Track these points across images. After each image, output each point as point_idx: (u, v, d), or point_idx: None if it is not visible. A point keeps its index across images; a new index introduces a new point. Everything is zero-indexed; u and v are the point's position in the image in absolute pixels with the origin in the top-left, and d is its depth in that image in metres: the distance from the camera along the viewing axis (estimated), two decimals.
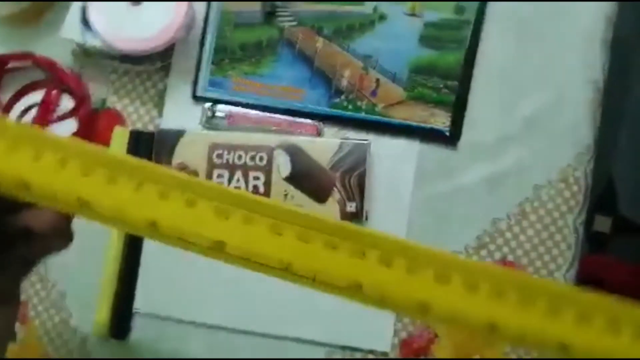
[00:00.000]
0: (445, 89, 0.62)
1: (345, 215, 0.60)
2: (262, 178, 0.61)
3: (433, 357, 0.60)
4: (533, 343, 0.27)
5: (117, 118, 0.67)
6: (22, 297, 0.39)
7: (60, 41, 0.65)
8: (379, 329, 0.61)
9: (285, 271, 0.28)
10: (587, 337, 0.26)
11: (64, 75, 0.66)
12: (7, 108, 0.66)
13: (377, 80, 0.63)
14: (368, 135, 0.63)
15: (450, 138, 0.62)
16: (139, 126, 0.67)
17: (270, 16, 0.65)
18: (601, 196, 1.06)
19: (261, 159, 0.62)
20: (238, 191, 0.28)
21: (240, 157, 0.62)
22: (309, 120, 0.63)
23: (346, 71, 0.63)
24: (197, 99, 0.65)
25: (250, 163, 0.62)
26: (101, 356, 0.64)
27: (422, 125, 0.62)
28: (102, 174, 0.28)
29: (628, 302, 0.27)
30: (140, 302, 0.64)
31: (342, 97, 0.63)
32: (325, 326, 0.61)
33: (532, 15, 0.62)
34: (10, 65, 0.67)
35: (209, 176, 0.62)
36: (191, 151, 0.62)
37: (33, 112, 0.66)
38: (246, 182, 0.62)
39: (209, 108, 0.64)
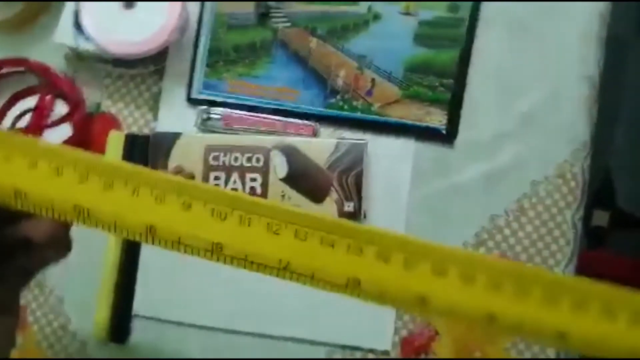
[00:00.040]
0: (441, 87, 0.62)
1: (343, 215, 0.60)
2: (259, 179, 0.61)
3: (434, 355, 0.60)
4: (531, 332, 0.27)
5: (112, 122, 0.67)
6: (20, 303, 0.40)
7: (53, 46, 0.65)
8: (379, 327, 0.60)
9: (284, 270, 0.28)
10: (584, 324, 0.26)
11: (58, 80, 0.66)
12: (1, 114, 0.66)
13: (373, 79, 0.63)
14: (364, 135, 0.63)
15: (446, 136, 0.62)
16: (134, 130, 0.66)
17: (263, 17, 0.65)
18: (599, 191, 1.06)
19: (258, 160, 0.61)
20: (234, 192, 0.29)
21: (236, 158, 0.62)
22: (305, 121, 0.63)
23: (341, 71, 0.63)
24: (192, 101, 0.65)
25: (246, 164, 0.61)
26: None
27: (419, 124, 0.62)
28: (98, 181, 0.28)
29: (622, 288, 0.27)
30: (139, 306, 0.63)
31: (338, 97, 0.63)
32: (325, 326, 0.61)
33: (527, 12, 0.62)
34: (4, 70, 0.67)
35: (206, 178, 0.62)
36: (187, 154, 0.62)
37: (27, 117, 0.66)
38: (243, 184, 0.61)
39: (204, 110, 0.64)
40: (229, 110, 0.64)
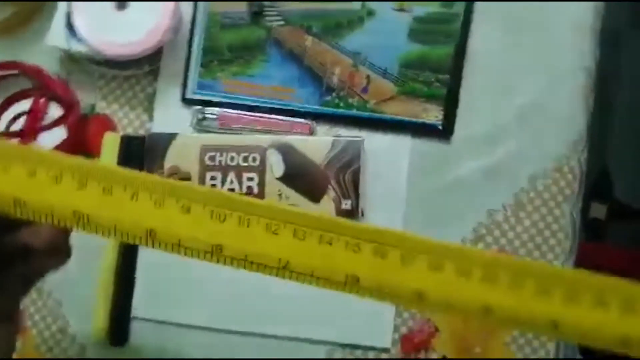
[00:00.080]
0: (436, 82, 0.61)
1: (341, 213, 0.60)
2: (256, 179, 0.61)
3: (434, 351, 0.60)
4: (526, 323, 0.28)
5: (107, 124, 0.66)
6: (21, 304, 0.40)
7: (46, 49, 0.64)
8: (378, 325, 0.60)
9: (284, 269, 0.28)
10: (577, 313, 0.27)
11: (51, 83, 0.65)
12: None
13: (368, 76, 0.62)
14: (360, 132, 0.63)
15: (443, 132, 0.62)
16: (129, 131, 0.66)
17: (257, 16, 0.64)
18: (596, 183, 1.06)
19: (254, 159, 0.61)
20: (232, 194, 0.29)
21: (232, 158, 0.61)
22: (301, 119, 0.63)
23: (336, 68, 0.63)
24: (187, 101, 0.65)
25: (243, 164, 0.61)
26: None
27: (415, 120, 0.62)
28: (97, 187, 0.29)
29: (615, 277, 0.28)
30: (138, 308, 0.63)
31: (333, 94, 0.63)
32: (325, 325, 0.61)
33: (521, 5, 0.62)
34: None
35: (202, 179, 0.61)
36: (183, 154, 0.62)
37: (21, 121, 0.65)
38: (240, 184, 0.61)
39: (199, 110, 0.64)
40: (224, 109, 0.64)
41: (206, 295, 0.62)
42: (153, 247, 0.29)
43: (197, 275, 0.62)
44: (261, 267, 0.28)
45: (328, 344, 0.61)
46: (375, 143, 0.62)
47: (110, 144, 0.64)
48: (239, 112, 0.64)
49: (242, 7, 0.64)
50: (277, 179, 0.61)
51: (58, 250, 0.35)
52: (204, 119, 0.64)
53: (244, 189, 0.61)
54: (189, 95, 0.65)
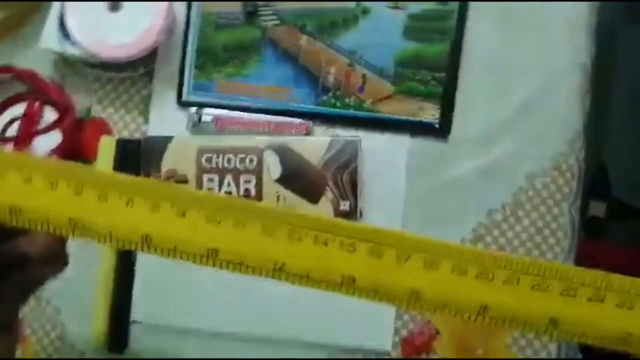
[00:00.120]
0: (433, 81, 0.61)
1: (339, 214, 0.60)
2: (253, 181, 0.61)
3: (435, 354, 0.59)
4: (524, 320, 0.28)
5: (103, 127, 0.66)
6: (20, 313, 0.40)
7: (40, 52, 0.64)
8: (379, 328, 0.60)
9: (280, 271, 0.28)
10: (574, 309, 0.27)
11: (46, 87, 0.65)
12: None
13: (364, 75, 0.62)
14: (357, 131, 0.62)
15: (440, 131, 0.61)
16: (125, 134, 0.66)
17: (251, 16, 0.64)
18: (594, 181, 1.06)
19: (251, 161, 0.61)
20: (227, 196, 0.29)
21: (229, 160, 0.61)
22: (297, 120, 0.63)
23: (332, 68, 0.63)
24: (183, 103, 0.64)
25: (240, 166, 0.61)
26: None
27: (412, 119, 0.61)
28: (92, 193, 0.29)
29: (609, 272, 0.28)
30: (137, 312, 0.63)
31: (330, 94, 0.62)
32: (326, 328, 0.60)
33: (516, 3, 0.61)
34: None
35: (199, 181, 0.61)
36: (180, 157, 0.62)
37: (16, 125, 0.65)
38: (237, 186, 0.61)
39: (195, 112, 0.64)
40: (220, 111, 0.63)
41: (205, 298, 0.62)
42: (149, 252, 0.29)
43: (196, 278, 0.62)
44: (257, 270, 0.28)
45: (329, 347, 0.60)
46: (372, 143, 0.61)
47: (106, 147, 0.63)
48: (235, 113, 0.63)
49: (237, 7, 0.64)
50: (275, 180, 0.60)
51: (55, 258, 0.35)
52: (200, 121, 0.63)
53: (242, 191, 0.60)
54: (184, 98, 0.64)
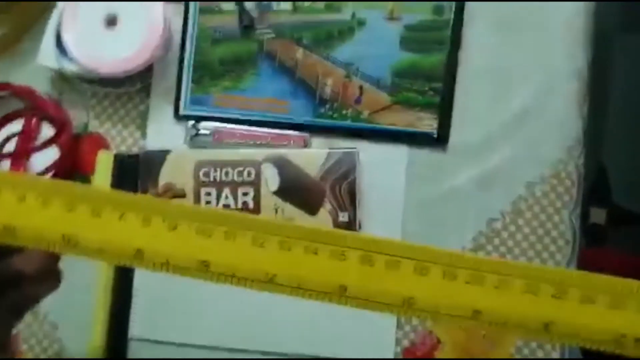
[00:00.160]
0: (430, 91, 0.61)
1: (339, 226, 0.59)
2: (251, 193, 0.60)
3: None
4: (516, 324, 0.28)
5: (100, 142, 0.66)
6: (13, 331, 0.40)
7: (37, 68, 0.64)
8: (380, 339, 0.59)
9: (271, 283, 0.29)
10: (566, 311, 0.28)
11: (43, 103, 0.65)
12: None
13: (361, 87, 0.62)
14: (355, 143, 0.62)
15: (438, 141, 0.61)
16: (123, 149, 0.66)
17: (248, 30, 0.64)
18: (594, 188, 1.05)
19: (249, 173, 0.61)
20: (217, 209, 0.29)
21: (227, 173, 0.61)
22: (295, 132, 0.62)
23: (329, 80, 0.63)
24: (180, 117, 0.64)
25: (238, 179, 0.61)
26: None
27: (410, 129, 0.61)
28: (85, 209, 0.29)
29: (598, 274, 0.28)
30: (134, 328, 0.62)
31: (327, 106, 0.62)
32: (326, 341, 0.60)
33: (511, 11, 0.62)
34: None
35: (197, 195, 0.61)
36: (177, 171, 0.61)
37: (14, 142, 0.65)
38: (235, 199, 0.60)
39: (192, 126, 0.64)
40: (218, 124, 0.63)
41: (203, 313, 0.62)
42: (141, 266, 0.29)
43: (194, 293, 0.61)
44: (248, 282, 0.28)
45: None
46: (371, 154, 0.61)
47: (103, 162, 0.63)
48: (233, 126, 0.63)
49: (233, 21, 0.64)
50: (273, 193, 0.60)
51: (48, 275, 0.35)
52: (197, 134, 0.63)
53: (240, 204, 0.60)
54: (181, 112, 0.64)
